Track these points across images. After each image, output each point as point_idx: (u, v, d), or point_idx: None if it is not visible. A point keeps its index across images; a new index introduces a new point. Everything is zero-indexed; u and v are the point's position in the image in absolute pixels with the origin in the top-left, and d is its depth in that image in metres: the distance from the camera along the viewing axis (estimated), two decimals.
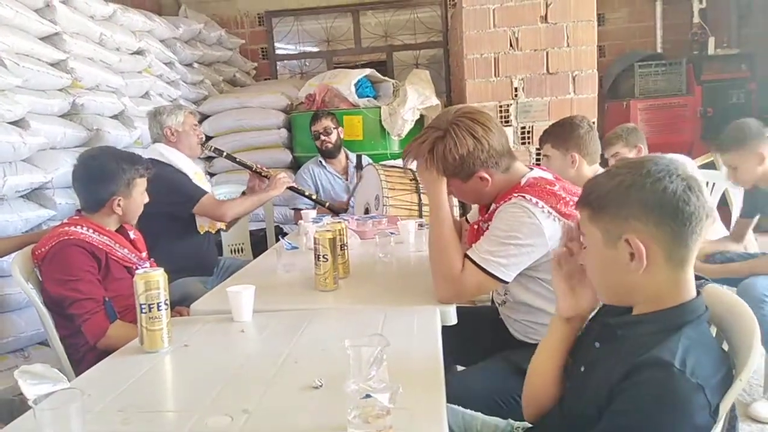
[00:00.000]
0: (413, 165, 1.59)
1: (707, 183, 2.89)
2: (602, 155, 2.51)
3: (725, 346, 1.07)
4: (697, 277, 1.02)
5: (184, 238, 2.54)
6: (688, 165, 2.90)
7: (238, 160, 2.91)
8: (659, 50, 4.77)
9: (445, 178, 1.52)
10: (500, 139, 1.50)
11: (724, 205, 2.93)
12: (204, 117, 4.09)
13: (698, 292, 1.00)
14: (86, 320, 1.70)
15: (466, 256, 1.47)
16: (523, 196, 1.44)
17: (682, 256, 0.96)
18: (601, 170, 2.37)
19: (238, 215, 2.68)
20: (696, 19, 4.56)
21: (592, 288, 1.12)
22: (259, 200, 2.72)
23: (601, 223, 1.00)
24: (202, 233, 2.63)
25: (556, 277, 1.15)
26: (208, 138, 4.01)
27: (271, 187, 2.71)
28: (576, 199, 1.45)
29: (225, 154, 2.94)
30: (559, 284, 1.15)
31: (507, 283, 1.46)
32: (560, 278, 1.14)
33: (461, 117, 1.49)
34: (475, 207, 1.76)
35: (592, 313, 1.14)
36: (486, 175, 1.51)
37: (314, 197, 3.12)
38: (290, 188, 2.87)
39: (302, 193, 3.06)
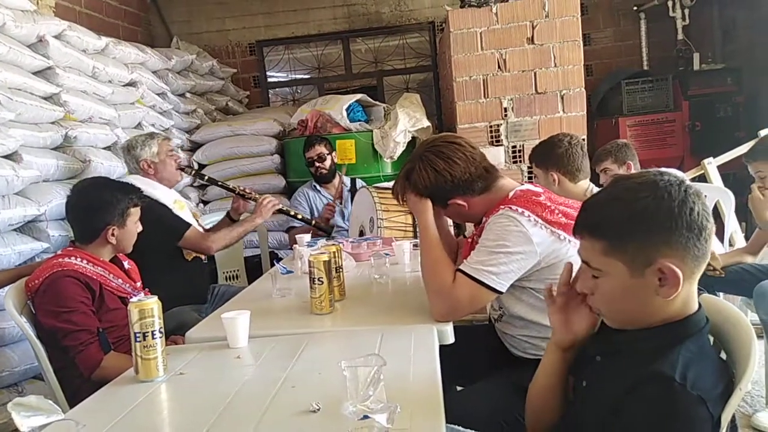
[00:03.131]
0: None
1: None
2: (593, 170, 2.51)
3: (723, 356, 1.07)
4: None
5: (173, 267, 2.50)
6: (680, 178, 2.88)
7: (220, 183, 2.93)
8: (645, 67, 4.84)
9: (427, 200, 1.59)
10: (468, 168, 1.54)
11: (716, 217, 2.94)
12: (197, 145, 4.12)
13: (699, 304, 0.99)
14: (80, 352, 1.68)
15: (458, 269, 1.49)
16: (510, 207, 1.47)
17: (699, 269, 0.96)
18: (593, 187, 2.38)
19: (224, 247, 2.62)
20: (680, 36, 4.64)
21: (587, 313, 1.11)
22: (245, 230, 2.67)
23: (624, 254, 0.96)
24: (190, 260, 2.59)
25: (550, 310, 1.15)
26: (202, 166, 4.03)
27: (257, 215, 2.66)
28: (561, 208, 1.48)
29: (207, 177, 2.95)
30: (554, 317, 1.15)
31: (501, 293, 1.46)
32: (554, 311, 1.14)
33: (427, 151, 1.58)
34: (470, 225, 1.78)
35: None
36: (460, 202, 1.57)
37: (300, 216, 3.10)
38: (277, 210, 2.84)
39: (288, 213, 3.04)
